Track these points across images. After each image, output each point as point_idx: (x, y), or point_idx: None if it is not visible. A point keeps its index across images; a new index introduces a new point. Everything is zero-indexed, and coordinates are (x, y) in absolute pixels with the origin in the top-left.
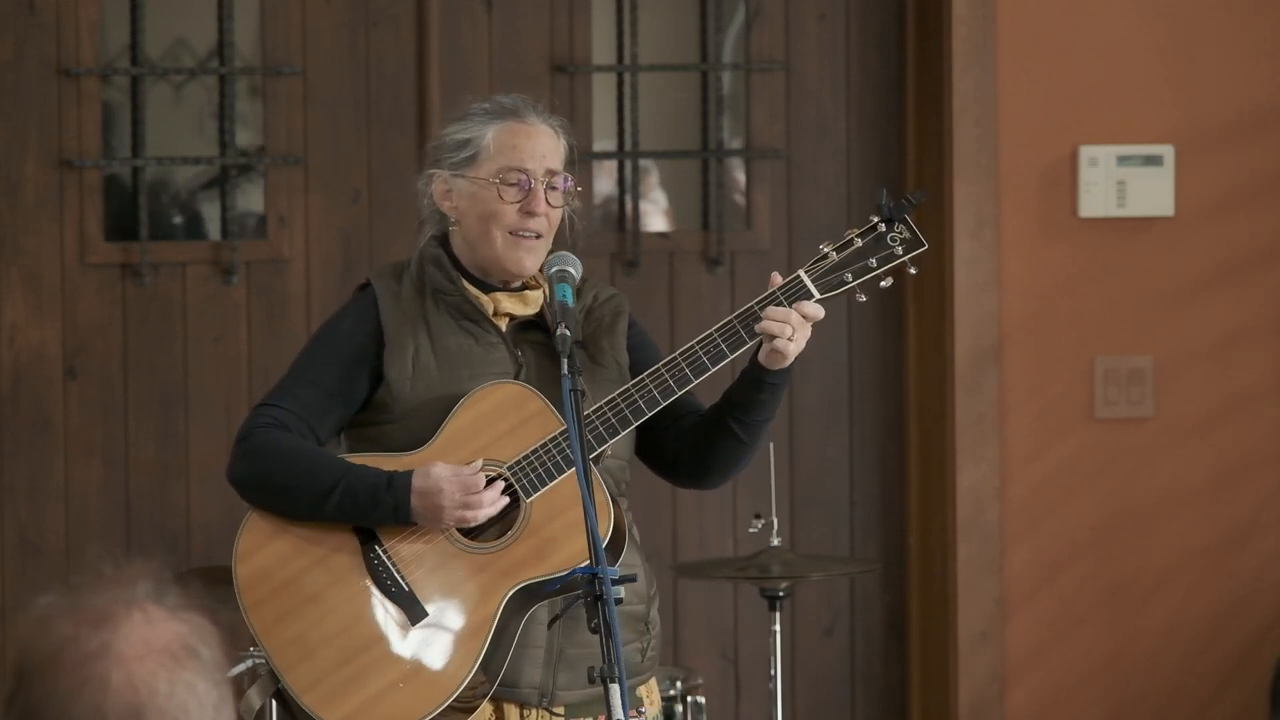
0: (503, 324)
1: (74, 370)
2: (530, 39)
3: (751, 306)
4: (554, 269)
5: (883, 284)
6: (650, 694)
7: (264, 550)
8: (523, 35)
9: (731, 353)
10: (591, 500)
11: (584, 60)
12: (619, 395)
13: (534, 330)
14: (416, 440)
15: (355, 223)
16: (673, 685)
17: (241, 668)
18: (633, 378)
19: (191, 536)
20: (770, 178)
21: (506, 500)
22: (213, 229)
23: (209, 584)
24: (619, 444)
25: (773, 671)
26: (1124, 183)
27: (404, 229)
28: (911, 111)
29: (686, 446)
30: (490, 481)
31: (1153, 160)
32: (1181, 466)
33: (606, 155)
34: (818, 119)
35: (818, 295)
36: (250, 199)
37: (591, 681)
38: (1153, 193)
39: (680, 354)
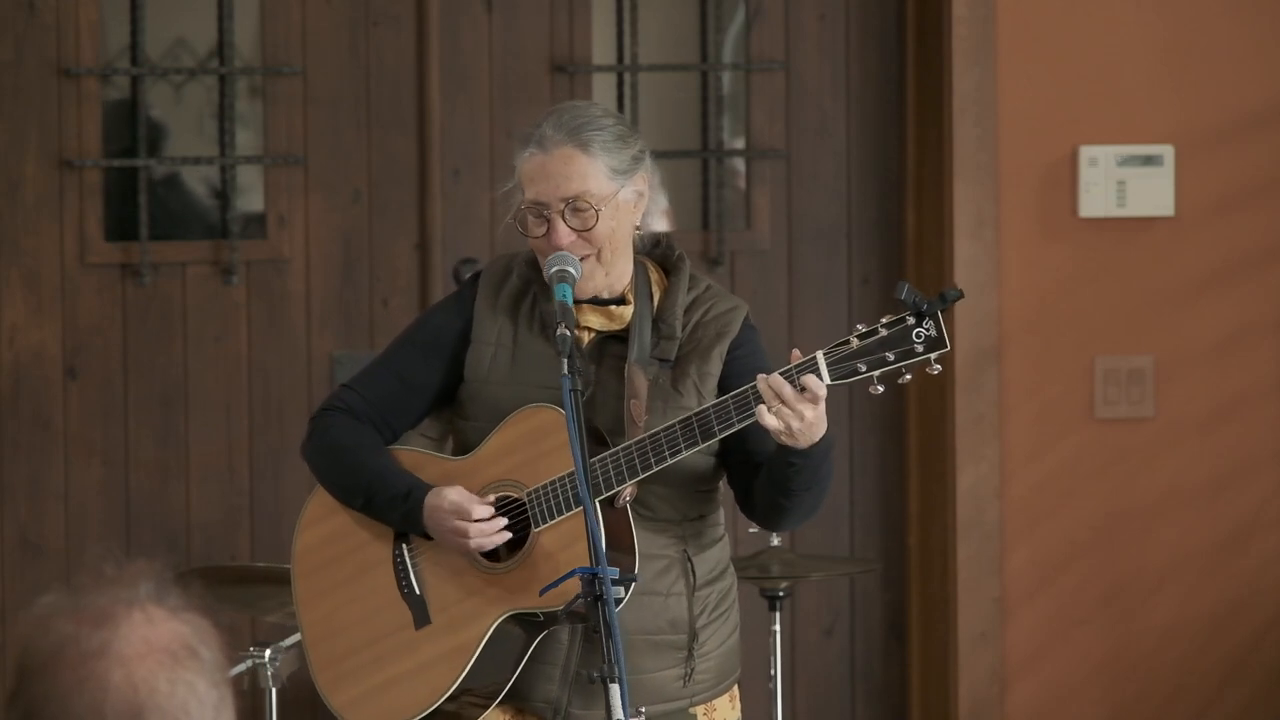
0: (586, 338)
1: (74, 370)
2: (530, 39)
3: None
4: (554, 269)
5: (901, 380)
6: (710, 713)
7: (323, 524)
8: (523, 35)
9: (740, 421)
10: (591, 501)
11: (584, 60)
12: (633, 443)
13: (619, 344)
14: (474, 446)
15: (355, 223)
16: None
17: (241, 667)
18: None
19: (191, 536)
20: (770, 178)
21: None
22: (213, 229)
23: (209, 584)
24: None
25: (773, 671)
26: (1124, 183)
27: (404, 229)
28: (911, 111)
29: (749, 494)
30: (506, 507)
31: (1153, 160)
32: (1181, 466)
33: None
34: (818, 119)
35: (828, 380)
36: (250, 199)
37: (591, 681)
38: (1153, 193)
39: (694, 414)
